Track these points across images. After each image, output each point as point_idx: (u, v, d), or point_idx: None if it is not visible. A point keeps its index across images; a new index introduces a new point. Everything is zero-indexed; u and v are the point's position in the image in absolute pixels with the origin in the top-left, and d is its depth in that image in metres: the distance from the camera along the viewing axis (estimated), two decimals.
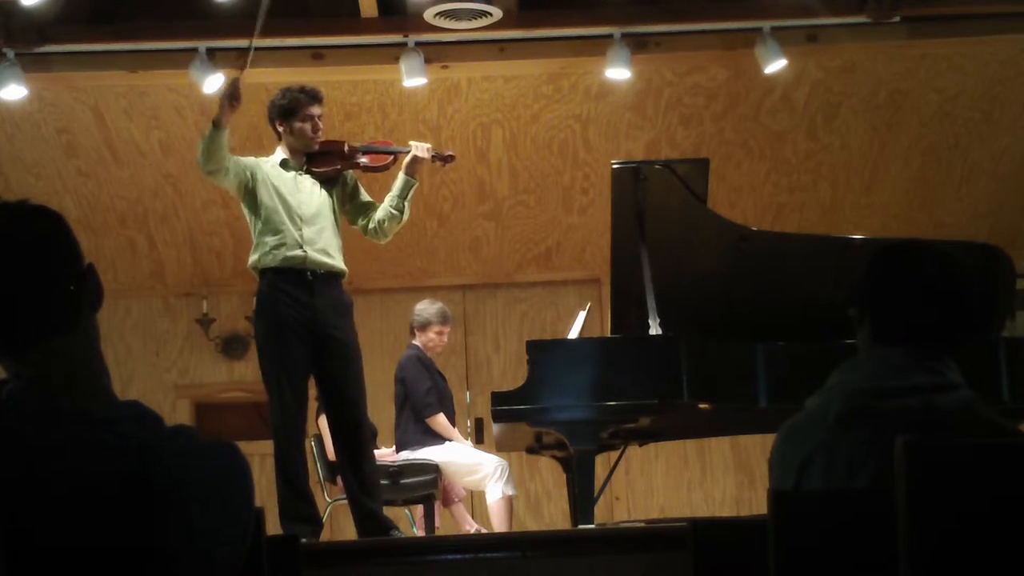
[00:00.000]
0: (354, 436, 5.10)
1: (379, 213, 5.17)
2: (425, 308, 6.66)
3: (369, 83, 7.47)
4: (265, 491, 7.86)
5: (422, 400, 6.40)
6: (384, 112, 7.55)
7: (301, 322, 4.96)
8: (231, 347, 8.70)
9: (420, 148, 5.21)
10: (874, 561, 2.06)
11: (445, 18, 6.65)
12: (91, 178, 8.07)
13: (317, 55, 7.09)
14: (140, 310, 8.73)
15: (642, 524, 6.12)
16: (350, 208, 5.25)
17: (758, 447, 8.28)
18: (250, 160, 5.12)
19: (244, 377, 8.71)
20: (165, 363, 8.73)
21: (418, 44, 6.91)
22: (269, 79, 7.35)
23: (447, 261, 8.73)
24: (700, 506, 8.59)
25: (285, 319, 4.95)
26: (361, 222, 5.24)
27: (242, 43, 6.98)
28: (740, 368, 5.09)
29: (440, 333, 6.63)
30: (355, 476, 5.10)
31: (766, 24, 6.87)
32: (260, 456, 8.09)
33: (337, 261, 5.08)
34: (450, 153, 5.43)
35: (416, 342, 6.61)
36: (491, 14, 6.66)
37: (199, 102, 7.42)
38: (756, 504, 8.41)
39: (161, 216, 8.34)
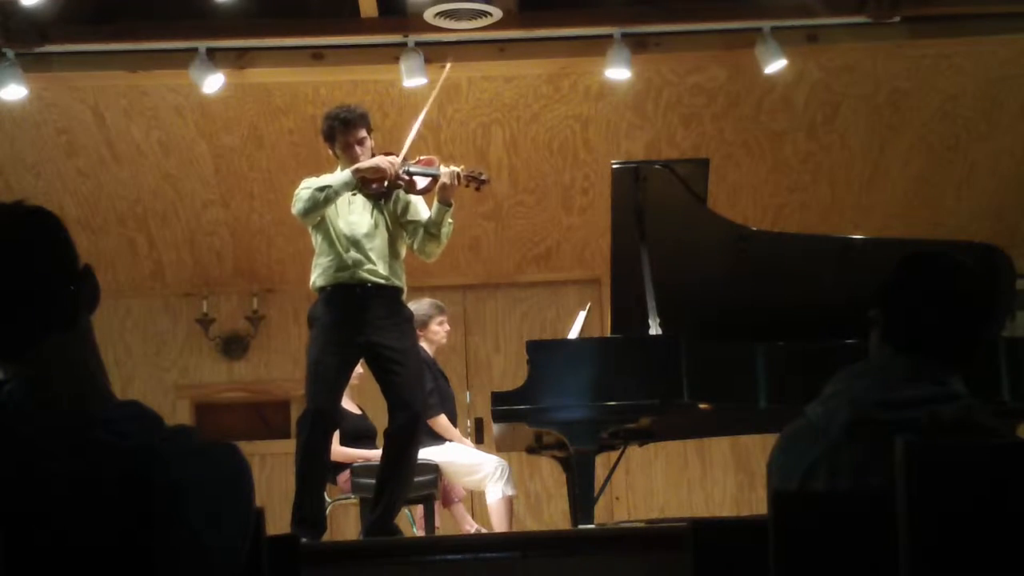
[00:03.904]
0: (401, 440, 5.11)
1: (419, 234, 5.17)
2: (418, 307, 6.63)
3: (369, 83, 7.46)
4: (265, 491, 7.90)
5: (424, 401, 6.39)
6: (384, 112, 7.54)
7: (350, 331, 5.00)
8: (231, 347, 8.69)
9: (448, 174, 5.13)
10: (874, 561, 2.06)
11: (445, 18, 6.65)
12: (91, 178, 8.06)
13: (317, 55, 7.09)
14: (140, 310, 8.72)
15: (642, 524, 6.12)
16: (402, 226, 5.23)
17: (758, 447, 8.27)
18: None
19: (244, 377, 8.71)
20: (165, 363, 8.72)
21: (418, 44, 6.91)
22: (269, 79, 7.37)
23: (447, 261, 8.69)
24: (700, 506, 8.58)
25: (333, 325, 5.01)
26: (408, 240, 5.24)
27: (242, 43, 7.01)
28: (740, 368, 5.09)
29: (442, 323, 6.65)
30: (387, 483, 5.11)
31: (766, 24, 6.88)
32: (260, 456, 8.12)
33: (391, 278, 5.09)
34: (484, 177, 5.27)
35: (420, 343, 6.60)
36: (491, 14, 6.66)
37: (199, 102, 7.42)
38: (756, 504, 8.41)
39: (161, 216, 8.34)
